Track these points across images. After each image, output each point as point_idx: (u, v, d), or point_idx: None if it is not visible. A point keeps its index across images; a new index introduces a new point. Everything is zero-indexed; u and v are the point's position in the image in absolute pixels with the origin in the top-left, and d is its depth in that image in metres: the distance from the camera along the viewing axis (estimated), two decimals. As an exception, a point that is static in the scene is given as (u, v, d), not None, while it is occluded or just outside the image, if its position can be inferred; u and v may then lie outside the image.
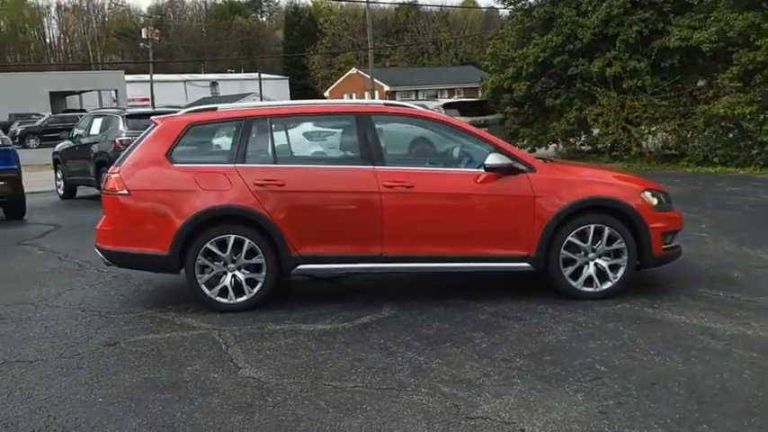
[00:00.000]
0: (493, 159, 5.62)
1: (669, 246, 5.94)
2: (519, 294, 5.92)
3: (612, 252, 5.76)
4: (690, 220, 9.04)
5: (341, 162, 5.93)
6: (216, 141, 5.93)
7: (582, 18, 15.99)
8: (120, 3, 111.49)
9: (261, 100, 46.32)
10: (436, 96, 48.27)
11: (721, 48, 14.07)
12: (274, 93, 59.97)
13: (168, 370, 4.53)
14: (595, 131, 16.48)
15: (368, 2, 42.64)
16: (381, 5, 75.50)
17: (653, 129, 15.47)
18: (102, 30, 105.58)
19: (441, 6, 72.21)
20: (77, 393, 4.20)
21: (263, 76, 62.80)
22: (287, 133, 6.00)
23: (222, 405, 3.97)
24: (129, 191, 5.70)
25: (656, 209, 5.84)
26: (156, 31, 60.91)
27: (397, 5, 73.49)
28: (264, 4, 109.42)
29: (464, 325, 5.26)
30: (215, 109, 6.10)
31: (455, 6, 71.56)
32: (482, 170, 5.66)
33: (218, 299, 5.69)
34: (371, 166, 5.66)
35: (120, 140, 11.77)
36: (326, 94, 57.01)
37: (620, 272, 5.76)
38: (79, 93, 56.66)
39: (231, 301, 5.69)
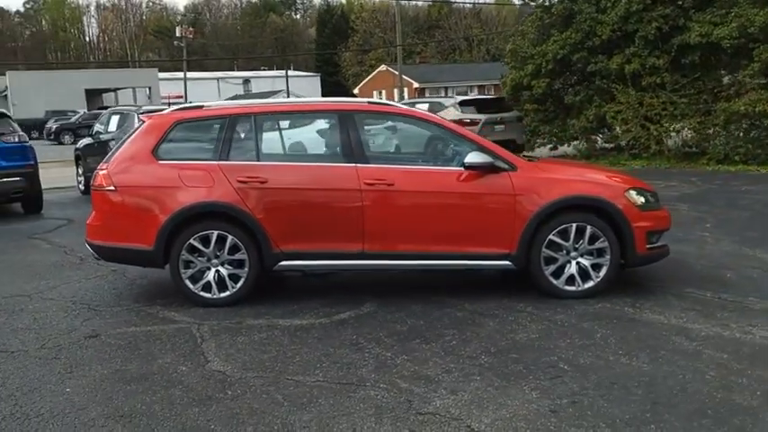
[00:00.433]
0: (472, 158, 5.62)
1: (655, 245, 5.88)
2: (501, 292, 5.91)
3: (595, 251, 5.72)
4: (695, 220, 8.97)
5: (323, 160, 5.98)
6: (201, 139, 6.01)
7: (601, 15, 15.79)
8: (157, 1, 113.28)
9: (288, 96, 46.69)
10: (466, 93, 48.08)
11: (742, 44, 13.78)
12: (306, 90, 60.31)
13: (140, 362, 4.64)
14: (617, 129, 16.25)
15: (397, -1, 42.50)
16: (413, 2, 75.52)
17: (673, 126, 15.21)
18: (140, 28, 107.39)
19: (473, 3, 71.77)
20: (48, 383, 4.33)
21: (294, 73, 63.19)
22: (271, 131, 6.07)
23: (183, 397, 4.05)
24: (115, 187, 5.83)
25: (641, 208, 5.78)
26: (190, 29, 61.77)
27: (430, 3, 73.36)
28: (298, 1, 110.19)
29: (439, 322, 5.28)
30: (201, 107, 6.19)
31: (488, 3, 71.02)
32: (463, 168, 5.66)
33: (202, 293, 5.79)
34: (353, 164, 5.70)
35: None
36: (356, 91, 57.11)
37: (603, 271, 5.72)
38: (114, 90, 57.70)
39: (214, 296, 5.78)
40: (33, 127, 44.47)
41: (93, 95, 54.81)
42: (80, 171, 14.84)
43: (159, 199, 5.77)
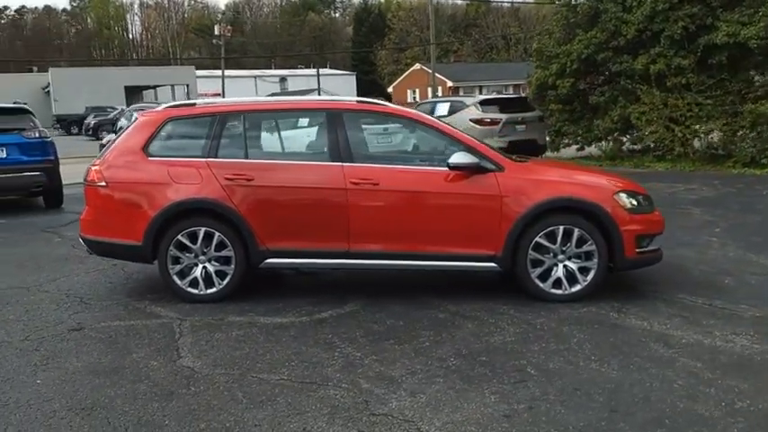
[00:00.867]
0: (457, 158, 5.58)
1: (645, 249, 5.76)
2: (489, 294, 5.86)
3: (583, 254, 5.63)
4: (706, 223, 8.78)
5: (310, 158, 6.00)
6: (191, 136, 6.06)
7: (626, 14, 15.50)
8: (199, 0, 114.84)
9: (319, 94, 46.89)
10: (500, 92, 47.75)
11: (771, 44, 13.43)
12: (341, 89, 60.52)
13: (114, 356, 4.71)
14: (643, 131, 15.93)
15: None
16: (451, 1, 75.24)
17: (698, 128, 14.87)
18: (182, 26, 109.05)
19: (512, 2, 71.17)
20: (22, 374, 4.42)
21: (330, 71, 63.45)
22: (260, 129, 6.11)
23: (146, 392, 4.10)
24: (106, 183, 5.93)
25: (631, 211, 5.67)
26: (229, 27, 62.44)
27: (468, 2, 73.04)
28: (338, 0, 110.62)
29: (419, 323, 5.25)
30: (194, 104, 6.26)
31: (527, 2, 70.32)
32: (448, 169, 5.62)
33: (189, 289, 5.86)
34: (339, 163, 5.71)
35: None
36: (390, 90, 57.15)
37: (591, 275, 5.63)
38: (154, 87, 58.74)
39: (201, 292, 5.84)
40: (74, 122, 45.62)
41: (133, 92, 55.89)
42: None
43: (148, 195, 5.85)
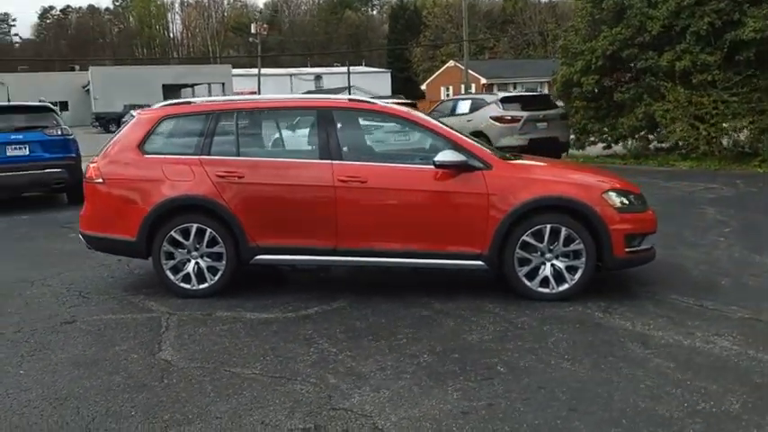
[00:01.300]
0: (442, 156, 5.59)
1: (635, 249, 5.69)
2: (477, 293, 5.86)
3: (571, 253, 5.60)
4: (717, 223, 8.64)
5: (300, 156, 6.06)
6: (187, 134, 6.18)
7: (651, 9, 15.28)
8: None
9: (349, 93, 47.05)
10: (536, 89, 47.28)
11: (799, 40, 13.10)
12: (375, 86, 60.65)
13: (98, 348, 4.85)
14: (668, 129, 15.67)
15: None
16: (488, -3, 74.74)
17: (723, 126, 14.58)
18: (222, 25, 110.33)
19: (550, -2, 70.46)
20: (8, 365, 4.58)
21: (364, 69, 63.57)
22: (251, 127, 6.20)
23: (121, 383, 4.22)
24: (103, 179, 6.09)
25: (620, 210, 5.61)
26: (264, 26, 63.04)
27: (504, -3, 72.50)
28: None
29: (402, 320, 5.28)
30: (190, 102, 6.37)
31: (565, -2, 69.48)
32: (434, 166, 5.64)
33: (182, 284, 5.98)
34: (328, 161, 5.77)
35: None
36: (423, 87, 57.04)
37: (579, 274, 5.60)
38: (192, 86, 59.63)
39: (194, 288, 5.96)
40: (112, 120, 46.55)
41: (171, 91, 56.74)
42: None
43: (143, 191, 5.98)
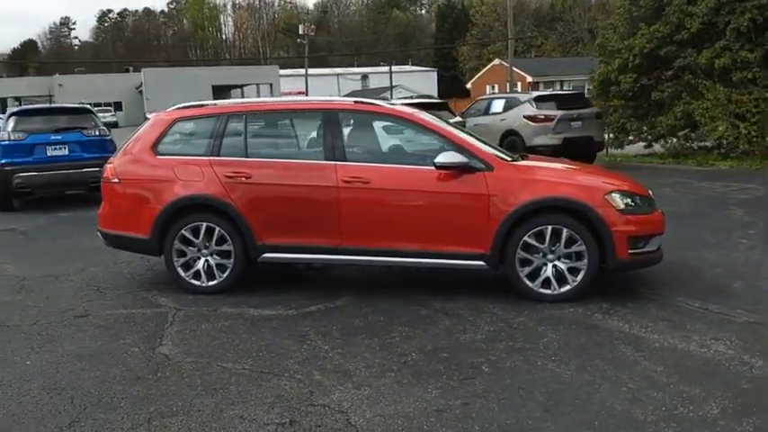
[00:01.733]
0: (443, 157, 5.63)
1: (640, 251, 5.63)
2: (480, 293, 5.88)
3: (573, 254, 5.57)
4: (743, 225, 8.47)
5: (306, 157, 6.17)
6: (198, 135, 6.35)
7: (690, 6, 14.95)
8: (288, 0, 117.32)
9: (391, 93, 47.17)
10: (583, 87, 46.56)
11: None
12: (421, 85, 60.66)
13: (103, 341, 5.04)
14: (707, 128, 15.32)
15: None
16: (537, -5, 73.91)
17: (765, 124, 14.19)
18: (272, 26, 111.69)
19: (600, -5, 69.18)
20: (18, 356, 4.80)
21: (410, 68, 63.59)
22: (260, 129, 6.33)
23: (117, 375, 4.39)
24: (119, 179, 6.31)
25: (624, 211, 5.56)
26: (312, 27, 63.56)
27: (554, -5, 71.58)
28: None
29: (399, 319, 5.34)
30: (202, 105, 6.55)
31: (615, -6, 68.16)
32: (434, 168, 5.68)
33: (193, 281, 6.16)
34: (332, 162, 5.86)
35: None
36: (469, 85, 56.74)
37: (581, 275, 5.57)
38: (241, 87, 60.55)
39: (203, 284, 6.13)
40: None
41: (221, 91, 57.71)
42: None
43: (156, 191, 6.18)
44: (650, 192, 6.08)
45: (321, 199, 5.86)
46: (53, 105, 14.64)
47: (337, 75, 71.11)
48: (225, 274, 6.10)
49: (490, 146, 6.30)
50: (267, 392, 4.06)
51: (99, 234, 6.61)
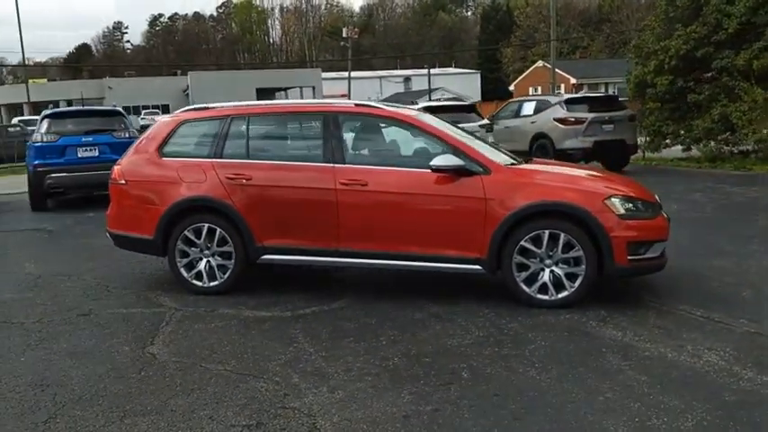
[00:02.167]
0: (439, 161, 5.59)
1: (640, 257, 5.49)
2: (476, 297, 5.83)
3: (571, 260, 5.47)
4: (763, 232, 8.24)
5: (305, 159, 6.17)
6: (201, 137, 6.43)
7: (729, 6, 14.55)
8: (335, 3, 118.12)
9: (429, 95, 46.97)
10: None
11: None
12: (464, 87, 60.42)
13: (97, 339, 5.14)
14: (745, 131, 14.88)
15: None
16: (583, -4, 72.89)
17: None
18: (318, 29, 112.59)
19: (648, -5, 67.89)
20: (13, 352, 4.93)
21: (452, 70, 63.34)
22: (261, 131, 6.37)
23: (102, 374, 4.47)
24: (126, 181, 6.43)
25: (624, 217, 5.43)
26: (355, 29, 63.92)
27: (601, -5, 70.51)
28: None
29: (390, 322, 5.32)
30: (207, 107, 6.63)
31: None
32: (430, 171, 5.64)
33: (195, 282, 6.24)
34: (331, 164, 5.88)
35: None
36: (511, 87, 56.24)
37: (578, 281, 5.47)
38: (285, 89, 61.20)
39: (205, 285, 6.21)
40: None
41: (265, 94, 58.41)
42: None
43: (160, 193, 6.28)
44: (657, 197, 5.94)
45: (319, 201, 5.87)
46: (85, 108, 14.99)
47: (380, 77, 71.34)
48: (225, 275, 6.17)
49: (493, 149, 6.23)
50: (242, 394, 4.09)
51: (107, 235, 6.74)
